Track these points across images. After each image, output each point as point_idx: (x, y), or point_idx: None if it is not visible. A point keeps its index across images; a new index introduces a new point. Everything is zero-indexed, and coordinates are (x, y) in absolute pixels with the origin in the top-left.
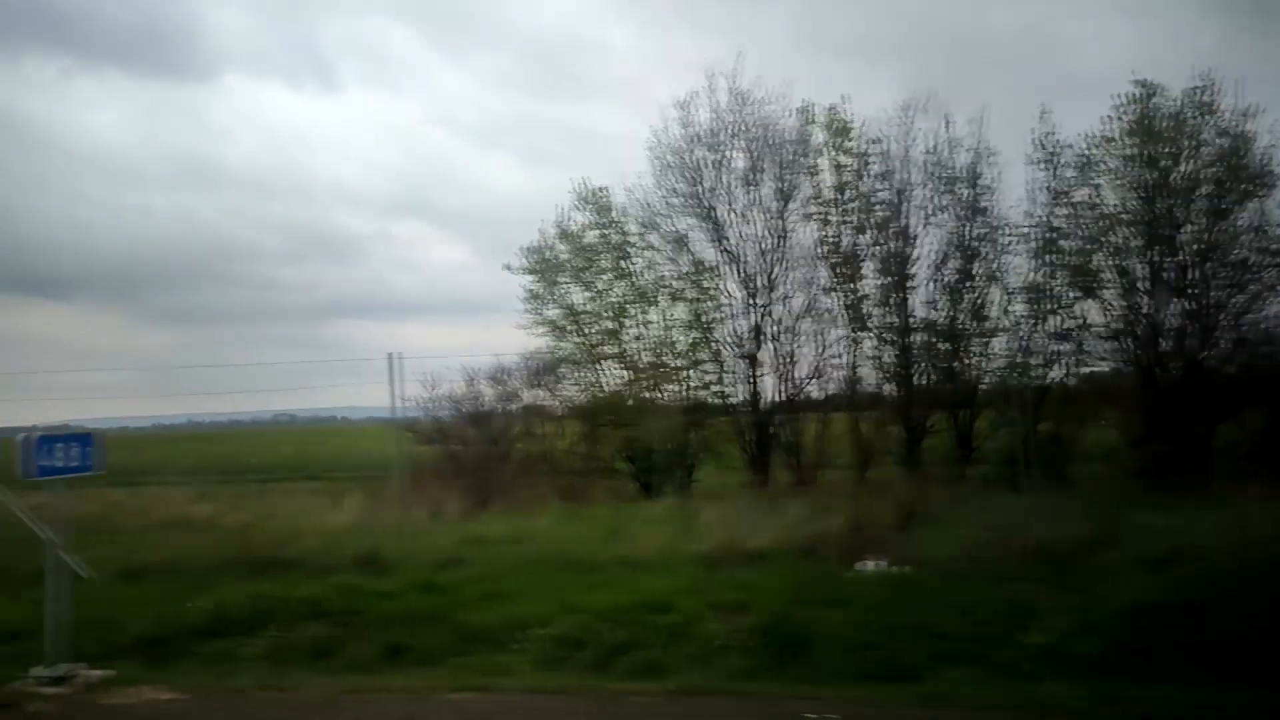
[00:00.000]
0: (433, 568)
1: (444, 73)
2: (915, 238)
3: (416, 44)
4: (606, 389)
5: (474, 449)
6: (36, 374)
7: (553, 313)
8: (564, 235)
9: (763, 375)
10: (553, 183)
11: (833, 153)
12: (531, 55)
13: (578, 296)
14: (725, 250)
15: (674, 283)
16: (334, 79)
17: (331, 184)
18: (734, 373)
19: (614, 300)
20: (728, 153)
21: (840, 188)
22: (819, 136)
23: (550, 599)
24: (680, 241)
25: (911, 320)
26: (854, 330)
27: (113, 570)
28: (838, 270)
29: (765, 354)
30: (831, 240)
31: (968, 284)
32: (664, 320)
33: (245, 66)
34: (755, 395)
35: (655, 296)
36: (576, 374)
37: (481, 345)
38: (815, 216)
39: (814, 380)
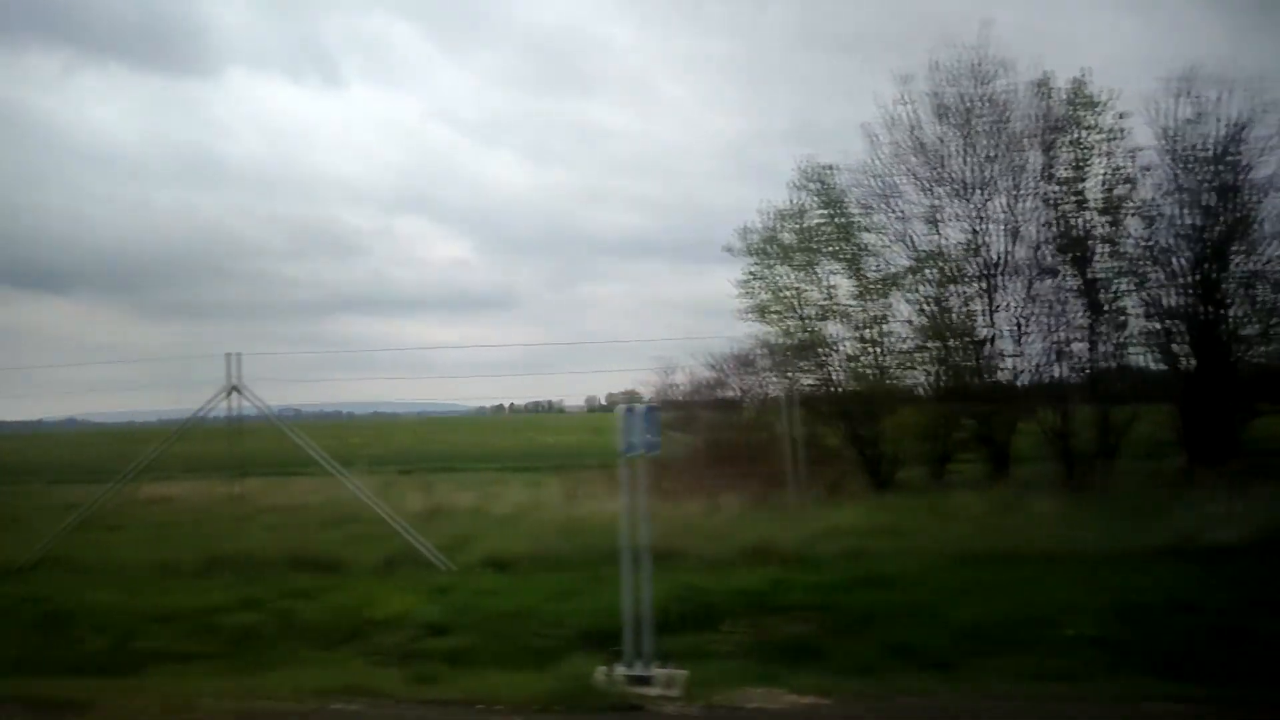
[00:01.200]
0: (845, 560)
1: (446, 69)
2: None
3: (419, 40)
4: (843, 375)
5: (725, 435)
6: (37, 368)
7: (764, 296)
8: (786, 216)
9: (1010, 359)
10: (555, 179)
11: (1083, 128)
12: (534, 51)
13: (801, 279)
14: (969, 229)
15: (913, 264)
16: (337, 75)
17: (334, 180)
18: (981, 358)
19: (846, 283)
20: (970, 127)
21: (1081, 164)
22: (1067, 110)
23: (1026, 596)
24: (921, 220)
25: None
26: (1105, 313)
27: (467, 562)
28: (1086, 252)
29: (1011, 338)
30: (1077, 220)
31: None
32: (903, 303)
33: (248, 62)
34: (1005, 380)
35: (894, 279)
36: (807, 359)
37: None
38: (1059, 196)
39: (1064, 364)
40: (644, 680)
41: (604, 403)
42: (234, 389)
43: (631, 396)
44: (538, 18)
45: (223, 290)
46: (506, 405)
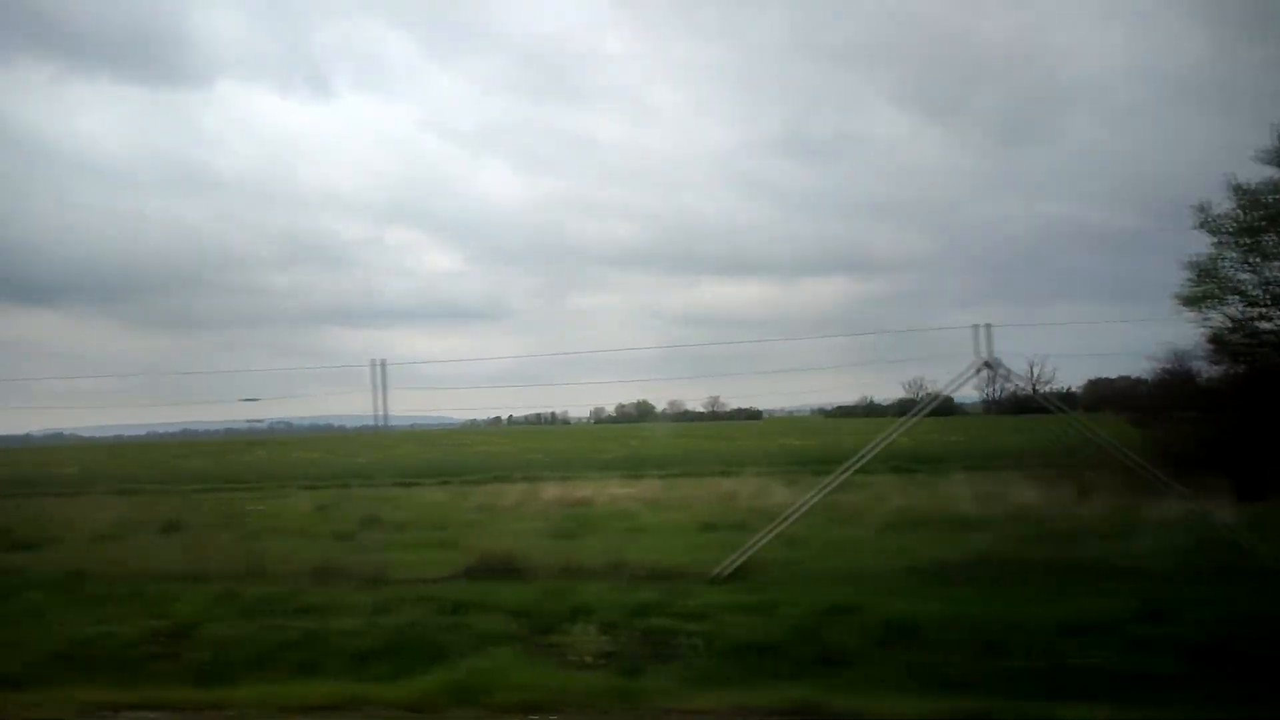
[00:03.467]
0: None
1: (437, 79)
2: None
3: (410, 50)
4: None
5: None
6: (26, 381)
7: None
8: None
9: None
10: (547, 189)
11: None
12: (526, 61)
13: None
14: None
15: None
16: (327, 85)
17: (324, 190)
18: None
19: None
20: None
21: None
22: None
23: None
24: None
25: None
26: None
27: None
28: None
29: None
30: None
31: None
32: None
33: (238, 72)
34: None
35: None
36: None
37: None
38: None
39: None
40: None
41: (611, 413)
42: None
43: (642, 407)
44: (530, 28)
45: (214, 301)
46: (505, 417)
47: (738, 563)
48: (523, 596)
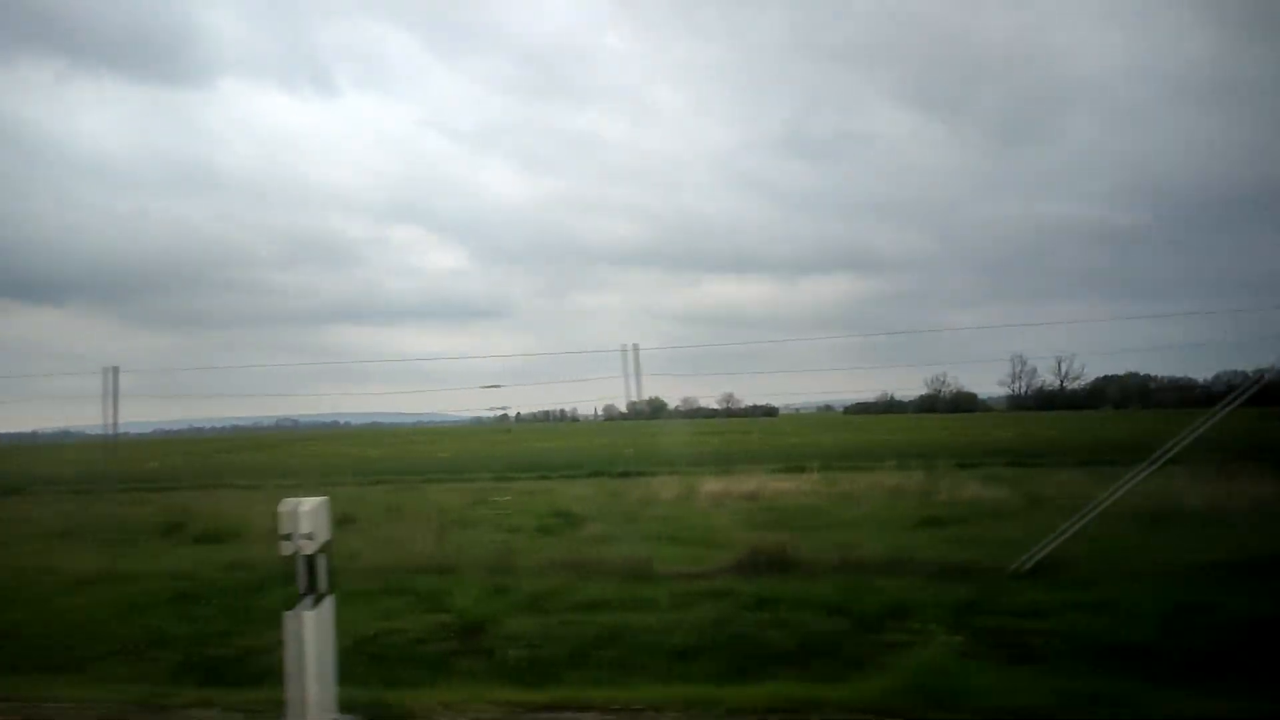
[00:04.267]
0: None
1: (440, 78)
2: None
3: (413, 49)
4: None
5: None
6: (31, 378)
7: None
8: None
9: None
10: (548, 188)
11: None
12: (527, 61)
13: None
14: None
15: None
16: (330, 84)
17: (327, 189)
18: None
19: None
20: None
21: None
22: None
23: None
24: None
25: None
26: None
27: None
28: None
29: None
30: None
31: None
32: None
33: (241, 71)
34: None
35: None
36: None
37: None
38: None
39: None
40: None
41: (623, 411)
42: None
43: (655, 404)
44: (532, 27)
45: (216, 300)
46: (512, 415)
47: (1037, 557)
48: (820, 592)
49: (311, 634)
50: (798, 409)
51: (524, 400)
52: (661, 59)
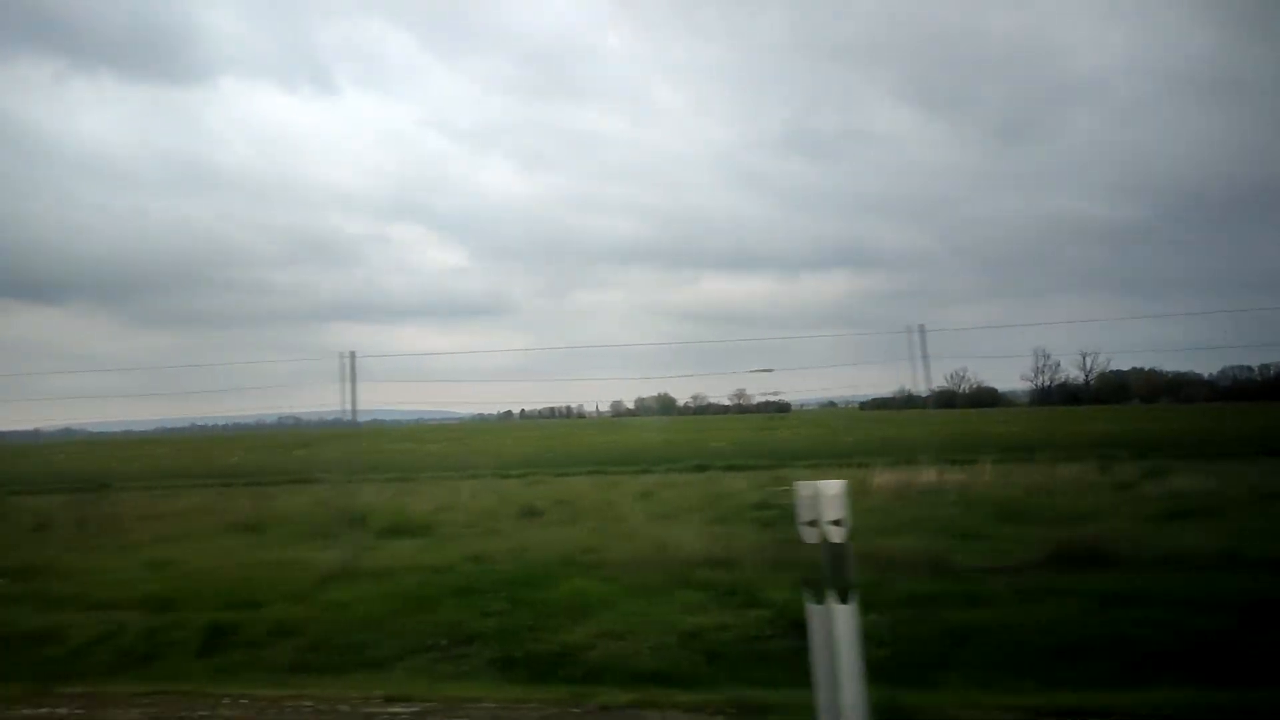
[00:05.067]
0: None
1: (440, 77)
2: None
3: (413, 49)
4: None
5: None
6: (31, 376)
7: None
8: None
9: None
10: (548, 186)
11: None
12: (526, 59)
13: None
14: None
15: None
16: (330, 83)
17: (327, 187)
18: None
19: None
20: None
21: None
22: None
23: None
24: None
25: None
26: None
27: None
28: None
29: None
30: None
31: None
32: None
33: (241, 71)
34: None
35: None
36: None
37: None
38: None
39: None
40: None
41: (630, 407)
42: None
43: (663, 400)
44: (532, 26)
45: (216, 298)
46: (517, 412)
47: None
48: (1165, 588)
49: (844, 631)
50: (804, 404)
51: (535, 397)
52: (661, 58)
